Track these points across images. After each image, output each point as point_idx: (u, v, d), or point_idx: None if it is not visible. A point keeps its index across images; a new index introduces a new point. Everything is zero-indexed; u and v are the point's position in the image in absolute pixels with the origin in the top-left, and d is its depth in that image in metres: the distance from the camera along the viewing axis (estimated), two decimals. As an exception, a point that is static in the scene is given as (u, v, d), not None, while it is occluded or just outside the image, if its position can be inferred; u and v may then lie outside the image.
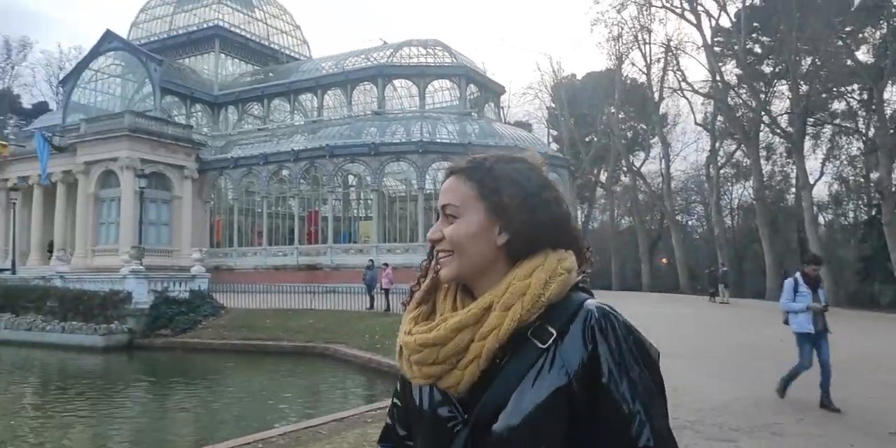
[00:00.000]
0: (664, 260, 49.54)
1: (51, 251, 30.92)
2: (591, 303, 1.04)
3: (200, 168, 31.38)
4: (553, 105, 52.18)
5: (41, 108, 50.42)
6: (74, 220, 30.27)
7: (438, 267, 1.12)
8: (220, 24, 37.85)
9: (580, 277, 1.10)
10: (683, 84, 40.14)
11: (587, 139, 50.82)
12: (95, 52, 35.45)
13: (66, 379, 14.85)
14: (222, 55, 38.06)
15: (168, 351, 17.67)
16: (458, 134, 28.80)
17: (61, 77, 43.34)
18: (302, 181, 30.34)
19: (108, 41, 34.99)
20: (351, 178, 33.26)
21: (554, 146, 47.62)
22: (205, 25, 38.01)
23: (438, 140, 28.33)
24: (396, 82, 33.33)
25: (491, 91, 35.49)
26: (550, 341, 1.01)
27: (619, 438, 0.97)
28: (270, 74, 36.96)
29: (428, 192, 27.67)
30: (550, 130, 55.08)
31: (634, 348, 1.00)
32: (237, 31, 38.85)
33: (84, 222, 29.76)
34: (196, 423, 10.15)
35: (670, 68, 40.85)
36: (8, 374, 15.65)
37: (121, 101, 34.89)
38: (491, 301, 1.05)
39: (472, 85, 33.56)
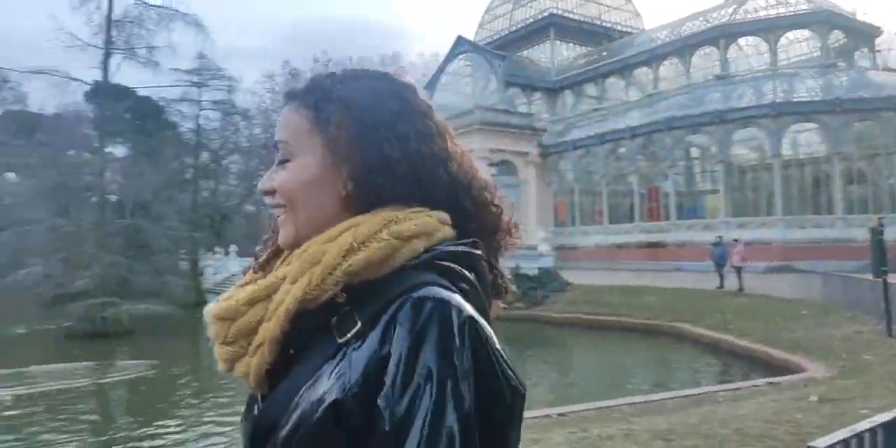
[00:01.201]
0: None
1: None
2: (426, 289, 0.70)
3: (542, 153, 33.16)
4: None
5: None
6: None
7: (274, 227, 0.86)
8: (555, 11, 39.28)
9: (454, 249, 0.78)
10: None
11: None
12: (449, 57, 39.95)
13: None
14: (557, 41, 39.48)
15: (520, 322, 19.25)
16: (820, 90, 25.04)
17: (424, 84, 49.94)
18: (640, 157, 29.85)
19: (459, 45, 39.11)
20: (693, 150, 31.52)
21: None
22: (540, 16, 39.86)
23: (795, 99, 25.03)
24: (741, 41, 30.38)
25: (861, 35, 29.94)
26: (350, 335, 0.72)
27: None
28: (604, 53, 37.07)
29: (787, 158, 24.77)
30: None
31: (446, 360, 0.66)
32: (570, 16, 39.88)
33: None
34: (549, 387, 10.96)
35: None
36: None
37: (472, 99, 38.75)
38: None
39: (835, 31, 28.78)
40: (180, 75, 34.43)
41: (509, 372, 0.71)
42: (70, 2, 22.67)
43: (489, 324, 0.74)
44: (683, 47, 31.43)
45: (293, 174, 0.82)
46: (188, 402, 10.52)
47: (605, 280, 20.86)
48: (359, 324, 0.72)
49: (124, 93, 35.80)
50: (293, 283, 0.75)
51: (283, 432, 0.70)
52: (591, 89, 36.76)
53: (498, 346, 0.72)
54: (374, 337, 0.70)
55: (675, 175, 30.28)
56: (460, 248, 0.78)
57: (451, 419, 0.64)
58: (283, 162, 0.83)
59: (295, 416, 0.70)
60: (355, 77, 0.86)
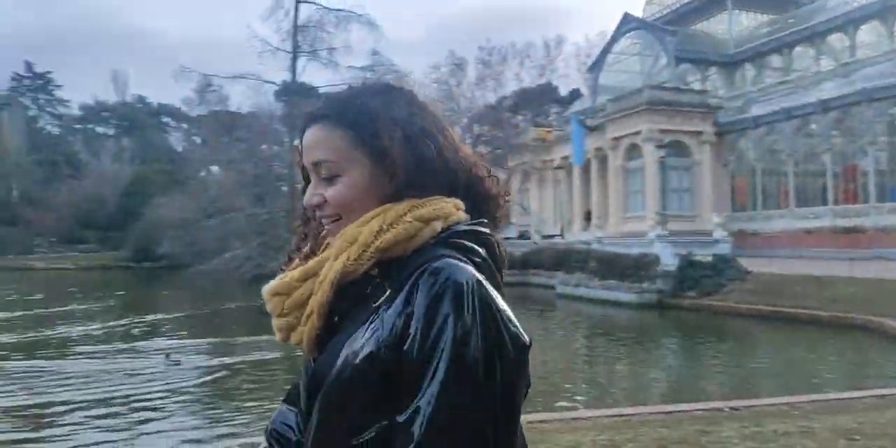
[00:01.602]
0: None
1: (588, 219, 35.44)
2: (442, 260, 0.84)
3: (717, 131, 31.02)
4: None
5: (575, 95, 57.46)
6: (607, 191, 33.92)
7: (325, 234, 0.98)
8: (732, -22, 36.37)
9: (467, 228, 0.91)
10: None
11: None
12: (615, 36, 38.57)
13: (606, 328, 17.10)
14: (735, 11, 36.54)
15: (694, 311, 18.36)
16: None
17: (588, 64, 48.64)
18: (834, 133, 26.90)
19: (626, 23, 37.60)
20: (899, 123, 27.80)
21: None
22: (714, -16, 37.10)
23: None
24: (962, -5, 26.14)
25: None
26: (382, 300, 0.86)
27: (401, 430, 0.79)
28: (790, 21, 33.68)
29: None
30: None
31: (461, 318, 0.79)
32: (750, -19, 36.69)
33: (615, 192, 33.05)
34: (728, 378, 10.45)
35: None
36: (563, 319, 19.03)
37: (640, 77, 37.15)
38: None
39: None
40: (356, 72, 36.61)
41: (512, 327, 0.83)
42: (261, 13, 25.03)
43: (500, 290, 0.88)
44: (884, 9, 27.71)
45: (348, 188, 0.93)
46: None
47: (790, 268, 19.22)
48: (388, 291, 0.86)
49: (309, 91, 38.75)
50: (335, 259, 0.89)
51: (330, 379, 0.84)
52: (775, 61, 33.66)
53: (503, 305, 0.84)
54: (399, 300, 0.84)
55: (877, 152, 26.94)
56: (472, 228, 0.92)
57: (469, 357, 0.78)
58: (331, 178, 0.94)
59: (339, 365, 0.84)
60: (371, 92, 0.96)
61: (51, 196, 53.77)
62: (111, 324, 16.85)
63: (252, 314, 19.79)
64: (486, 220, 0.95)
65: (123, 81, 71.36)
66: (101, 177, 57.47)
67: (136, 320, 17.78)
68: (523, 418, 0.86)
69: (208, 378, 10.59)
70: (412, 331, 0.80)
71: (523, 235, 33.36)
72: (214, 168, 57.62)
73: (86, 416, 8.18)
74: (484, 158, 1.08)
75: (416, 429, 0.77)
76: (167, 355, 11.90)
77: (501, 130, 30.26)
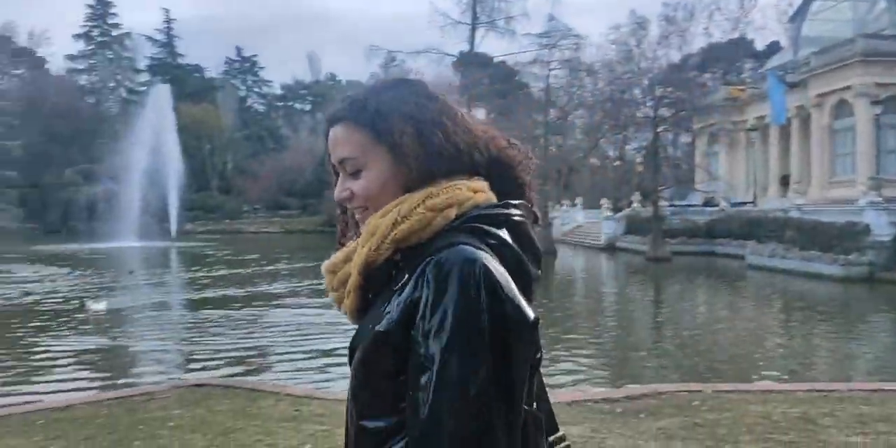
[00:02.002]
0: None
1: (785, 184, 32.34)
2: (451, 248, 0.91)
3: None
4: None
5: (773, 49, 52.14)
6: (808, 154, 30.68)
7: (345, 220, 1.11)
8: None
9: (484, 212, 0.97)
10: None
11: None
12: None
13: (805, 302, 15.74)
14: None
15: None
16: None
17: (790, 14, 43.71)
18: None
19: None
20: None
21: None
22: None
23: None
24: None
25: None
26: (400, 283, 0.94)
27: (411, 400, 0.90)
28: None
29: None
30: None
31: (465, 300, 0.87)
32: None
33: (818, 155, 29.81)
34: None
35: None
36: (756, 292, 17.82)
37: (851, 26, 32.76)
38: None
39: None
40: (532, 40, 36.17)
41: (516, 305, 0.90)
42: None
43: (522, 267, 0.96)
44: None
45: (371, 182, 1.02)
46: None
47: None
48: (406, 276, 0.95)
49: (485, 61, 39.01)
50: (362, 247, 0.99)
51: (359, 348, 0.98)
52: None
53: (509, 286, 0.90)
54: (411, 284, 0.93)
55: None
56: (489, 212, 0.98)
57: (474, 334, 0.87)
58: (355, 173, 1.03)
59: (364, 337, 0.97)
60: (384, 89, 1.06)
61: (258, 167, 60.00)
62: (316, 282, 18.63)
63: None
64: (508, 202, 1.01)
65: (317, 61, 77.06)
66: (299, 148, 62.97)
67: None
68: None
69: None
70: (420, 312, 0.90)
71: (709, 202, 31.34)
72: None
73: (296, 362, 9.27)
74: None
75: (420, 398, 0.88)
76: None
77: (686, 91, 28.37)
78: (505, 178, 1.04)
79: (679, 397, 5.65)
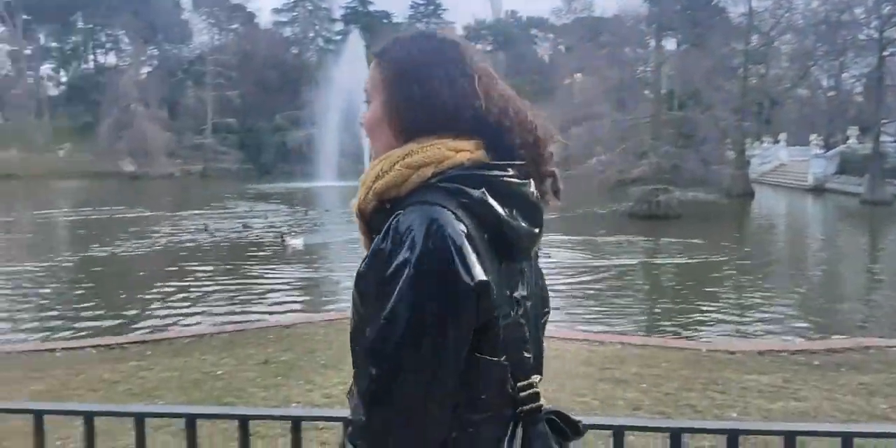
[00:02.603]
0: None
1: None
2: (416, 205, 0.96)
3: None
4: None
5: None
6: None
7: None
8: None
9: (462, 172, 1.00)
10: None
11: None
12: None
13: None
14: None
15: None
16: None
17: None
18: None
19: None
20: None
21: None
22: None
23: None
24: None
25: None
26: (381, 235, 0.98)
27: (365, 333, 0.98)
28: None
29: None
30: None
31: (411, 256, 0.92)
32: None
33: None
34: None
35: None
36: None
37: None
38: None
39: None
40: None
41: (464, 266, 0.93)
42: None
43: (500, 226, 1.00)
44: None
45: (371, 113, 1.11)
46: (735, 283, 11.06)
47: None
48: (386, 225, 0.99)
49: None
50: (356, 197, 1.07)
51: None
52: None
53: (462, 247, 0.93)
54: (380, 236, 0.98)
55: None
56: (469, 172, 1.01)
57: (405, 293, 0.92)
58: (368, 104, 1.12)
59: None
60: (411, 39, 1.12)
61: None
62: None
63: (614, 217, 20.55)
64: (497, 163, 1.04)
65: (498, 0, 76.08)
66: (480, 90, 63.36)
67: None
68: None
69: (587, 277, 11.50)
70: (375, 264, 0.97)
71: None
72: (578, 75, 58.62)
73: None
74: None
75: (367, 337, 0.97)
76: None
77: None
78: (501, 143, 1.06)
79: (889, 353, 5.21)
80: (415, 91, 1.04)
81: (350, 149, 44.00)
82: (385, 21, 68.25)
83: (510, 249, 1.03)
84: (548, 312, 1.21)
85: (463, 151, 1.03)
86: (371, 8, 68.09)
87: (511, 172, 1.04)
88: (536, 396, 1.06)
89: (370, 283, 0.98)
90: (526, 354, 1.07)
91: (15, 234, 18.79)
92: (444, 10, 71.51)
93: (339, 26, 67.84)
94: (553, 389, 4.40)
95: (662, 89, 30.52)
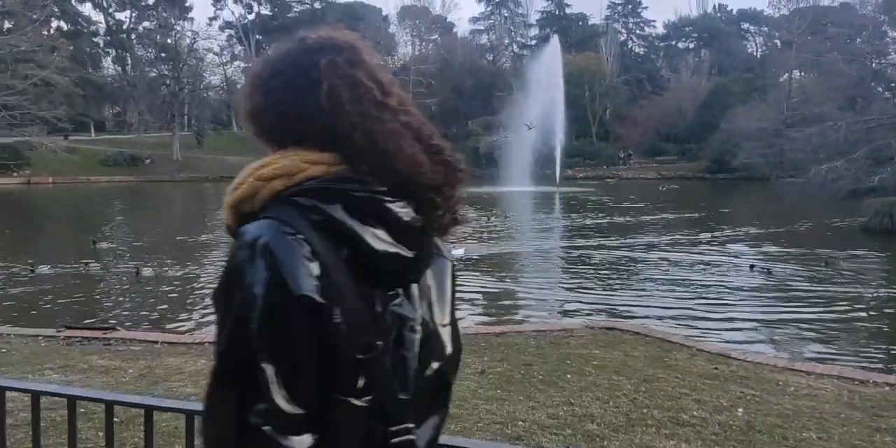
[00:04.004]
0: None
1: None
2: (256, 222, 0.94)
3: None
4: None
5: None
6: None
7: None
8: None
9: (315, 186, 0.95)
10: None
11: None
12: None
13: None
14: None
15: None
16: None
17: None
18: None
19: None
20: None
21: None
22: None
23: None
24: None
25: None
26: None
27: None
28: None
29: None
30: None
31: (231, 272, 0.92)
32: None
33: None
34: None
35: None
36: None
37: None
38: None
39: None
40: None
41: (292, 280, 0.88)
42: None
43: (405, 243, 0.95)
44: None
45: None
46: None
47: None
48: None
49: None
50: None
51: None
52: None
53: (290, 266, 0.89)
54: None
55: None
56: (321, 186, 0.95)
57: (228, 311, 0.91)
58: None
59: None
60: (279, 48, 1.07)
61: (636, 112, 59.29)
62: (718, 235, 17.76)
63: (850, 232, 18.06)
64: (348, 176, 0.95)
65: (705, -7, 71.48)
66: (680, 91, 60.05)
67: (731, 232, 18.44)
68: None
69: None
70: (221, 278, 0.94)
71: None
72: (797, 73, 53.05)
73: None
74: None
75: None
76: (751, 267, 12.48)
77: None
78: (361, 163, 0.97)
79: None
80: (261, 102, 1.02)
81: (543, 153, 43.86)
82: (580, 23, 67.32)
83: (375, 273, 0.95)
84: (453, 350, 1.07)
85: (320, 164, 0.96)
86: (568, 11, 67.51)
87: (377, 189, 0.95)
88: (410, 444, 0.97)
89: (217, 297, 0.95)
90: (401, 395, 0.96)
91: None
92: (643, 8, 68.83)
93: (534, 31, 68.21)
94: (819, 438, 3.79)
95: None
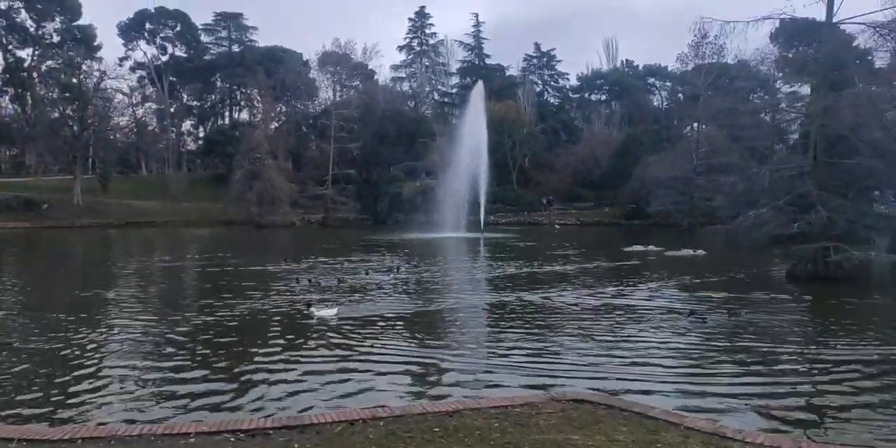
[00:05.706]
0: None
1: None
2: None
3: None
4: None
5: None
6: None
7: None
8: None
9: None
10: None
11: None
12: None
13: None
14: None
15: None
16: None
17: None
18: None
19: None
20: None
21: None
22: None
23: None
24: None
25: None
26: None
27: None
28: None
29: None
30: None
31: None
32: None
33: None
34: None
35: None
36: None
37: None
38: None
39: None
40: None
41: None
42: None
43: None
44: None
45: None
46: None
47: None
48: None
49: (813, 27, 33.58)
50: None
51: None
52: None
53: None
54: None
55: None
56: None
57: None
58: None
59: None
60: None
61: (553, 160, 60.73)
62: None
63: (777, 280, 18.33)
64: None
65: (613, 49, 75.27)
66: (593, 140, 62.15)
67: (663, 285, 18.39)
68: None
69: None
70: None
71: None
72: (696, 125, 55.84)
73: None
74: None
75: None
76: (690, 312, 12.35)
77: None
78: None
79: None
80: None
81: (465, 199, 43.71)
82: (499, 74, 69.08)
83: None
84: None
85: None
86: (487, 61, 69.33)
87: None
88: None
89: None
90: None
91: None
92: (558, 61, 71.62)
93: (454, 80, 69.36)
94: None
95: (802, 136, 28.13)
